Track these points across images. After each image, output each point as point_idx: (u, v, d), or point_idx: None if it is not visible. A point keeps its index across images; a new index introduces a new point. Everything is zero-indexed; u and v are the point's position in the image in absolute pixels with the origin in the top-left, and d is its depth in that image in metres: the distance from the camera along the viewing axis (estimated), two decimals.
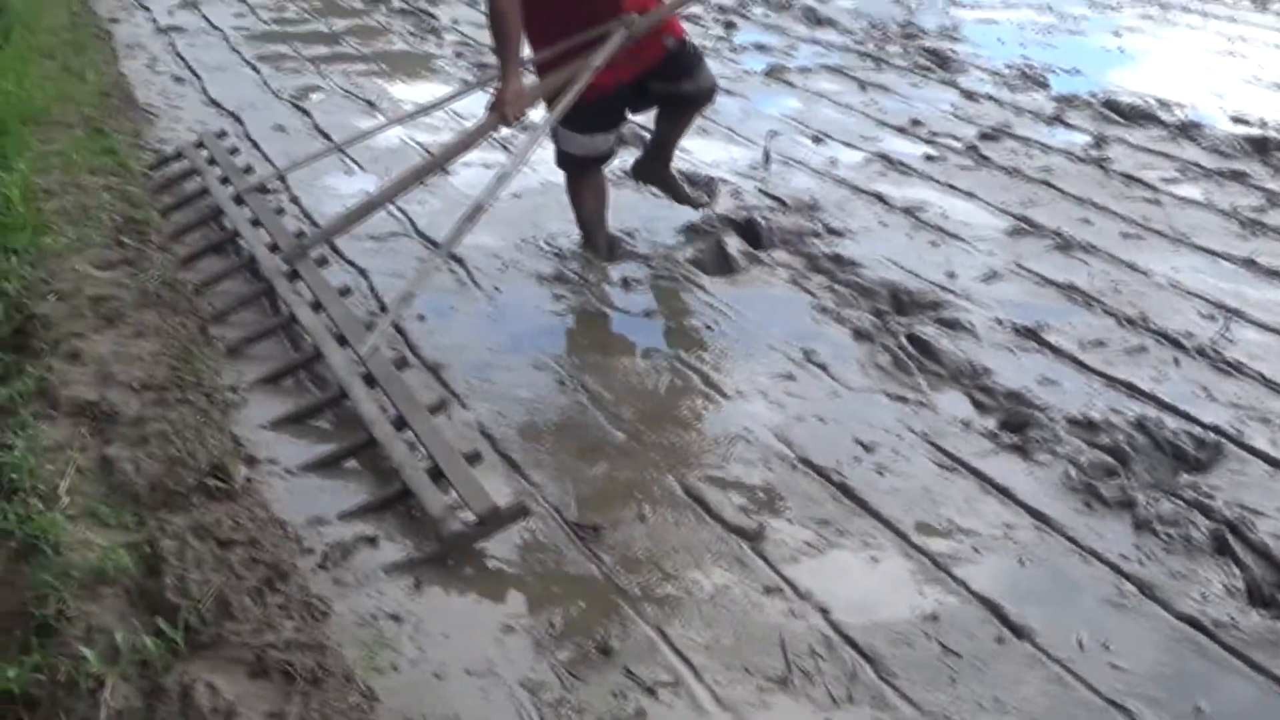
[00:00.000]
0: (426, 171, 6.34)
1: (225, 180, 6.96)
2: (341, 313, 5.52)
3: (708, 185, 7.33)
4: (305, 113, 8.92)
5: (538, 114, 6.25)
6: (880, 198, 7.16)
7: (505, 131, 6.85)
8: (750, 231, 6.68)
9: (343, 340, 5.30)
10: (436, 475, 4.43)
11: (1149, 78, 9.57)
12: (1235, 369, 5.27)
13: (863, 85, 9.47)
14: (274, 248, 6.13)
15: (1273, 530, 4.22)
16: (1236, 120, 8.46)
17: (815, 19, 11.66)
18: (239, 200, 6.66)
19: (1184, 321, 5.69)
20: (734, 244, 6.48)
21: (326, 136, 8.35)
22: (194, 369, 5.02)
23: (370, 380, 5.01)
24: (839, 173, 7.61)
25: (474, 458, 4.56)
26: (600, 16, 5.99)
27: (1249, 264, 6.26)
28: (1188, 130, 8.23)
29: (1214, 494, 4.42)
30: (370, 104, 9.15)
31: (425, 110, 7.54)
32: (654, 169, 6.86)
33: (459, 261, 6.36)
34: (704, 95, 6.46)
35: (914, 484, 4.54)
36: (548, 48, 6.10)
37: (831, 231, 6.71)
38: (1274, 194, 7.10)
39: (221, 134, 7.83)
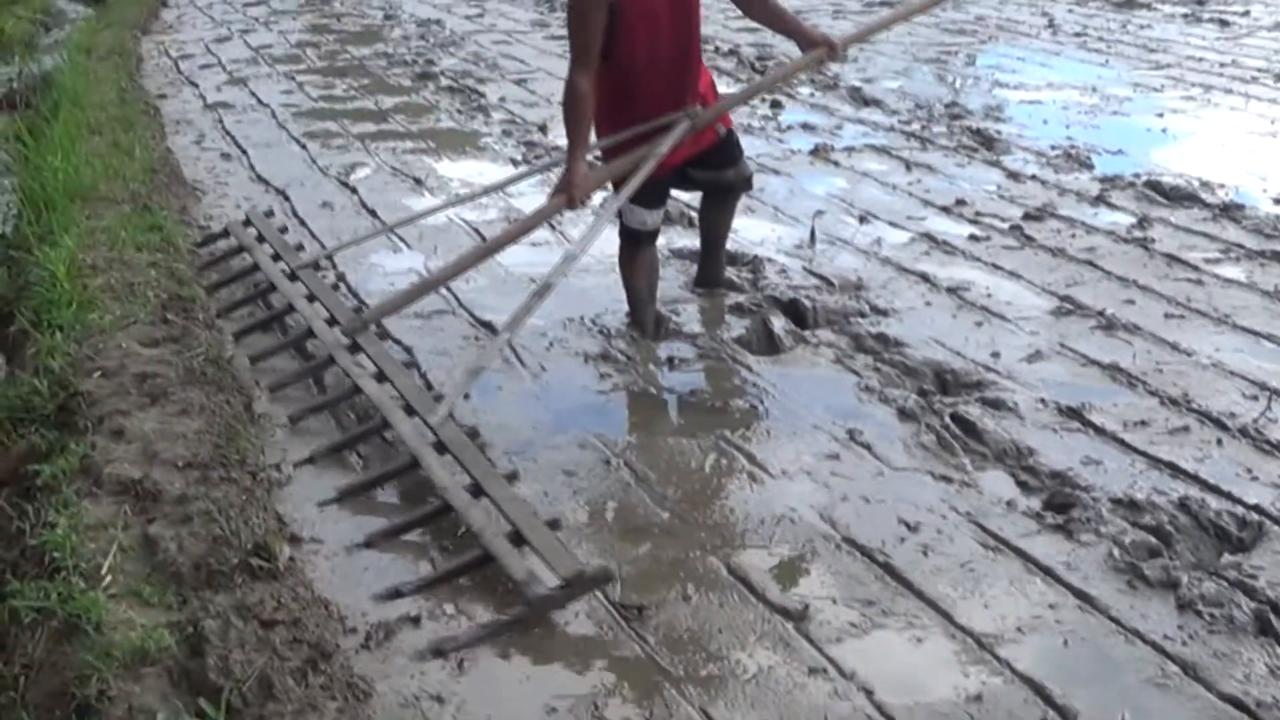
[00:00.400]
0: (487, 254, 6.41)
1: (276, 257, 7.05)
2: (408, 383, 5.59)
3: (754, 264, 7.36)
4: (352, 190, 9.02)
5: (597, 199, 6.33)
6: (925, 277, 7.18)
7: (568, 214, 6.90)
8: (795, 311, 6.72)
9: (410, 410, 5.36)
10: (518, 541, 4.49)
11: (1192, 159, 9.58)
12: (1278, 449, 5.27)
13: (908, 165, 9.50)
14: (331, 322, 6.21)
15: None
16: (1278, 201, 8.46)
17: (861, 99, 11.71)
18: (292, 276, 6.74)
19: (1227, 402, 5.70)
20: (779, 323, 6.51)
21: (373, 214, 8.45)
22: (239, 447, 5.08)
23: (440, 449, 5.07)
24: (884, 252, 7.64)
25: (555, 524, 4.63)
26: (677, 104, 6.17)
27: None
28: (1230, 211, 8.23)
29: (1257, 574, 4.41)
30: (418, 181, 9.24)
31: (485, 193, 7.65)
32: (714, 272, 7.08)
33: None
34: (745, 183, 6.76)
35: (958, 564, 4.55)
36: (614, 133, 6.22)
37: (876, 311, 6.74)
38: None
39: (269, 212, 7.91)
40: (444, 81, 12.90)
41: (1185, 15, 15.88)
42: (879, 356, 6.20)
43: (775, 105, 11.50)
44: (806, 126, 10.69)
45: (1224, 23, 15.30)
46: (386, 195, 8.90)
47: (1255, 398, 5.74)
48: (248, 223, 7.68)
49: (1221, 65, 12.98)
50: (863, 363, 6.15)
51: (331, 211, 8.56)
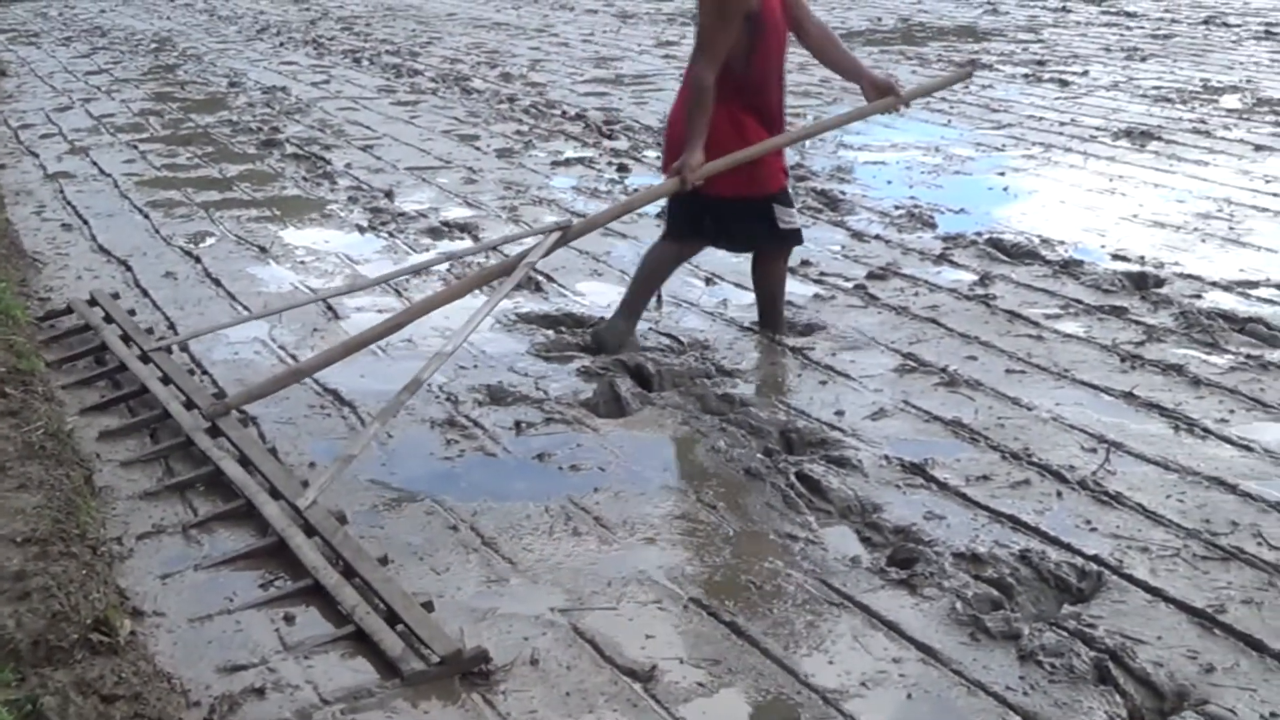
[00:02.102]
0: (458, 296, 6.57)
1: (125, 338, 6.98)
2: (274, 468, 5.55)
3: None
4: (196, 259, 8.94)
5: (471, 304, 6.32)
6: (770, 338, 7.24)
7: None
8: (641, 374, 6.75)
9: (275, 494, 5.34)
10: (391, 620, 4.49)
11: (1032, 216, 9.74)
12: (1116, 500, 5.35)
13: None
14: (188, 406, 6.17)
15: (1153, 658, 4.29)
16: (1116, 257, 8.61)
17: None
18: (144, 358, 6.69)
19: (1066, 455, 5.78)
20: (626, 386, 6.53)
21: (217, 283, 8.38)
22: (79, 521, 5.01)
23: (309, 531, 5.05)
24: (730, 313, 7.69)
25: (429, 605, 4.60)
26: (781, 117, 6.96)
27: (1129, 397, 6.36)
28: (1069, 267, 8.36)
29: (1096, 624, 4.48)
30: (263, 250, 9.18)
31: (384, 280, 7.69)
32: (776, 321, 7.48)
33: (350, 407, 6.39)
34: (797, 238, 7.32)
35: (803, 621, 4.57)
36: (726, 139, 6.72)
37: (722, 372, 6.78)
38: (1153, 328, 7.23)
39: (115, 295, 7.82)
40: (289, 149, 12.83)
41: (1026, 75, 16.15)
42: (725, 417, 6.23)
43: (622, 169, 11.56)
44: None
45: (1063, 82, 15.59)
46: (231, 264, 8.83)
47: (1094, 450, 5.83)
48: (93, 301, 7.59)
49: (1061, 124, 13.22)
50: (709, 423, 6.18)
51: (175, 281, 8.47)
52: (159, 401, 6.28)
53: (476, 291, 6.71)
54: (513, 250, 7.28)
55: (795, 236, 7.24)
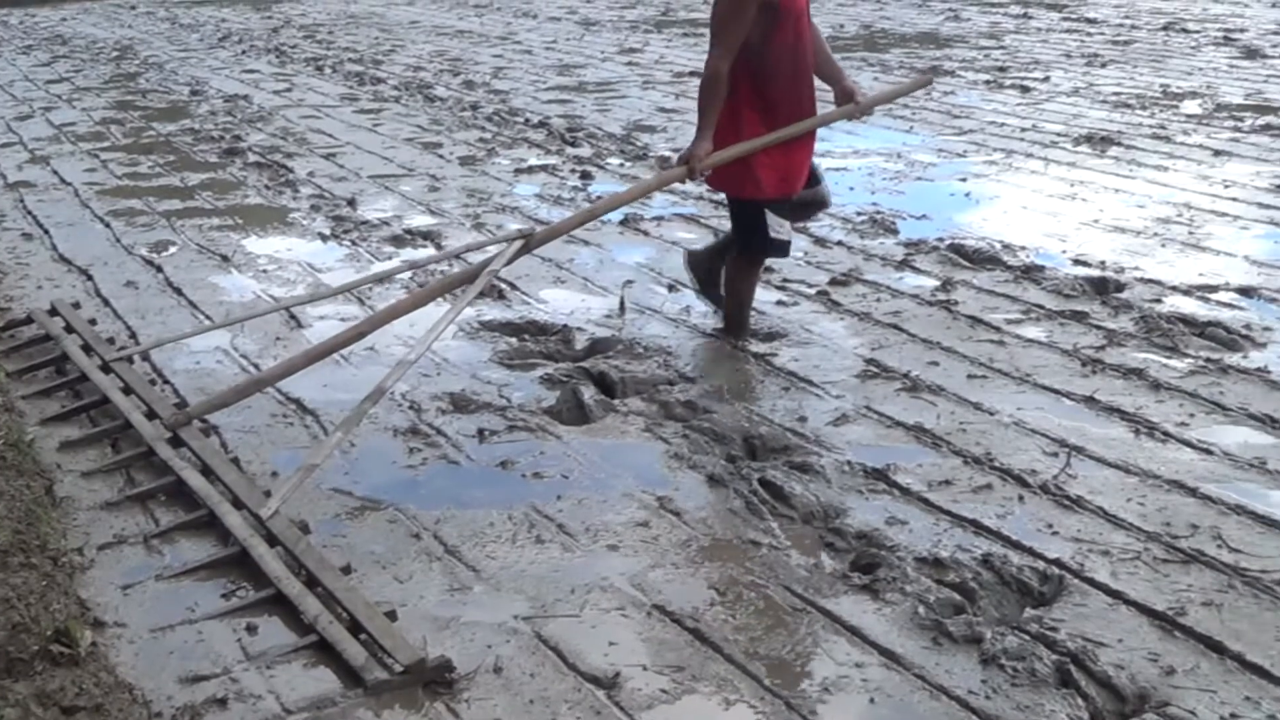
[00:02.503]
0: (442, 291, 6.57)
1: (86, 348, 6.96)
2: (236, 478, 5.54)
3: (563, 334, 7.40)
4: (158, 268, 8.91)
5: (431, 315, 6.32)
6: (733, 344, 7.25)
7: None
8: (604, 381, 6.75)
9: (238, 504, 5.33)
10: (355, 630, 4.49)
11: (994, 222, 9.77)
12: (1077, 504, 5.38)
13: (717, 234, 9.56)
14: (150, 416, 6.15)
15: (1114, 660, 4.31)
16: (1077, 262, 8.64)
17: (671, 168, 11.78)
18: (105, 368, 6.67)
19: (1027, 459, 5.80)
20: (589, 393, 6.53)
21: (179, 292, 8.35)
22: (39, 531, 4.99)
23: (271, 541, 5.04)
24: (693, 320, 7.70)
25: (392, 615, 4.59)
26: (801, 111, 6.95)
27: (1090, 401, 6.39)
28: (1030, 273, 8.39)
29: (1058, 627, 4.50)
30: (224, 258, 9.16)
31: (346, 289, 7.69)
32: (741, 328, 7.54)
33: (313, 416, 6.38)
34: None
35: (766, 627, 4.58)
36: (735, 126, 6.87)
37: (685, 378, 6.79)
38: (1113, 333, 7.26)
39: (76, 304, 7.79)
40: (251, 157, 12.81)
41: (988, 82, 16.19)
42: (688, 424, 6.25)
43: (585, 176, 11.57)
44: None
45: (1025, 89, 15.64)
46: (192, 273, 8.81)
47: (1055, 454, 5.85)
48: (54, 311, 7.57)
49: (1023, 130, 13.26)
50: (672, 430, 6.19)
51: (136, 291, 8.44)
52: (120, 412, 6.26)
53: (439, 300, 6.71)
54: (476, 258, 7.28)
55: (780, 249, 7.26)
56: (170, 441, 5.90)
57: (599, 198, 10.58)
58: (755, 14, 6.56)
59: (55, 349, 7.09)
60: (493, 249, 6.73)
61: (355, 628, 4.48)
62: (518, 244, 6.49)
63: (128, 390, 6.45)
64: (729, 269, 7.44)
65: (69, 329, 7.27)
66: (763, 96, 6.79)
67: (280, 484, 5.44)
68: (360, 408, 5.61)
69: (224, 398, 6.16)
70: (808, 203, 7.35)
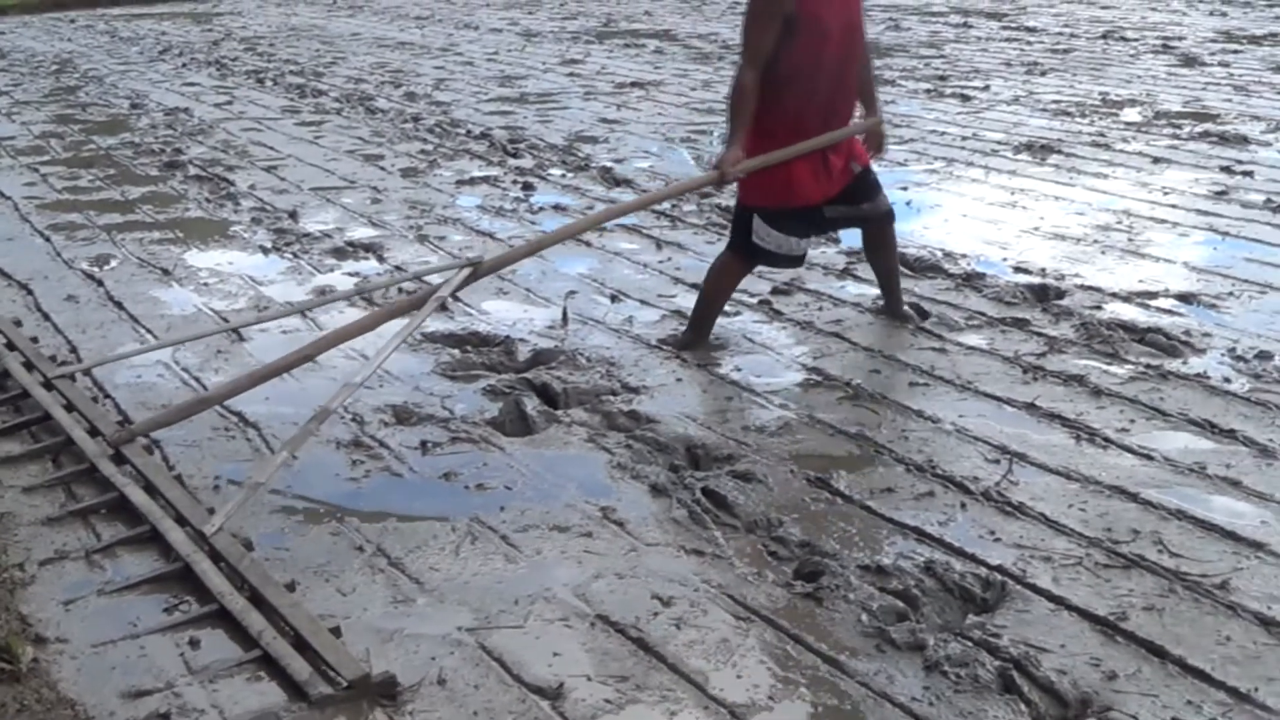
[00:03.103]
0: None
1: (29, 365, 6.92)
2: (179, 494, 5.51)
3: (506, 345, 7.40)
4: (99, 282, 8.86)
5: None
6: (676, 354, 7.26)
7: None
8: (547, 392, 6.75)
9: (180, 520, 5.30)
10: (300, 645, 4.47)
11: (935, 230, 9.79)
12: (1019, 510, 5.40)
13: (659, 244, 9.60)
14: (92, 433, 6.11)
15: (1057, 666, 4.33)
16: (1018, 269, 8.68)
17: (612, 179, 11.79)
18: (47, 385, 6.63)
19: (970, 466, 5.83)
20: (532, 404, 6.54)
21: (120, 306, 8.31)
22: None
23: (215, 556, 5.02)
24: (635, 330, 7.71)
25: (336, 630, 4.58)
26: (826, 126, 6.99)
27: (1031, 408, 6.42)
28: (972, 280, 8.43)
29: (1000, 633, 4.52)
30: (165, 272, 9.11)
31: (294, 311, 7.71)
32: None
33: (256, 429, 6.36)
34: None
35: (711, 636, 4.59)
36: (762, 135, 6.89)
37: (628, 389, 6.79)
38: (1054, 339, 7.30)
39: (17, 321, 7.74)
40: (192, 170, 12.74)
41: (928, 91, 16.23)
42: (631, 434, 6.25)
43: (527, 187, 11.56)
44: (558, 208, 10.75)
45: (965, 97, 15.69)
46: (134, 287, 8.77)
47: (997, 461, 5.88)
48: None
49: (963, 139, 13.31)
50: (615, 440, 6.20)
51: (77, 305, 8.40)
52: (62, 428, 6.23)
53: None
54: (431, 280, 7.26)
55: (760, 255, 7.30)
56: (113, 458, 5.87)
57: (541, 210, 10.61)
58: (778, 26, 6.65)
59: None
60: (439, 277, 6.72)
61: (299, 643, 4.47)
62: (466, 271, 6.48)
63: (70, 407, 6.42)
64: (713, 269, 7.54)
65: (10, 345, 7.22)
66: (784, 105, 6.85)
67: (224, 501, 5.43)
68: (306, 427, 5.60)
69: (168, 415, 6.14)
70: (846, 218, 7.49)
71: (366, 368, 5.93)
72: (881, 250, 7.75)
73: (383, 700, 4.24)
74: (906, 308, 7.80)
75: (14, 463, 6.04)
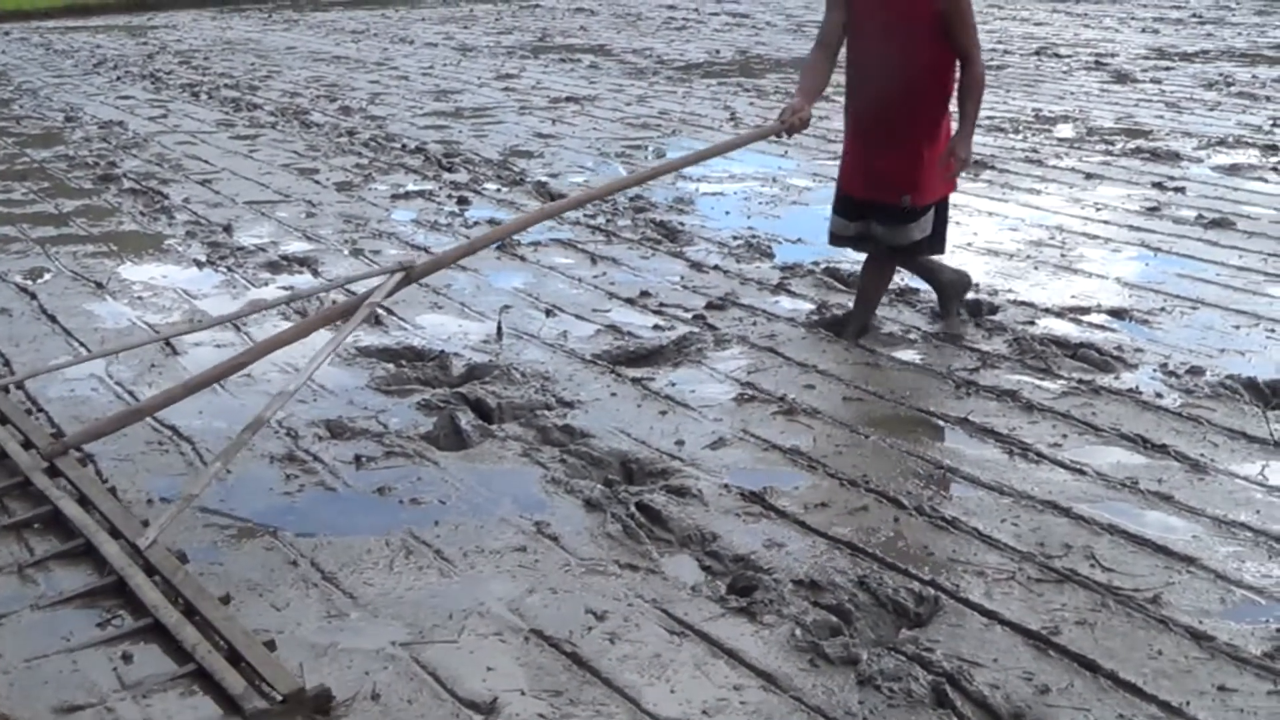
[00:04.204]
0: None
1: None
2: (113, 507, 5.48)
3: (440, 359, 7.39)
4: (32, 295, 8.80)
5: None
6: (611, 369, 7.27)
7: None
8: (481, 406, 6.75)
9: (115, 533, 5.27)
10: (234, 659, 4.45)
11: None
12: (952, 525, 5.43)
13: (594, 259, 9.61)
14: (26, 445, 6.08)
15: (990, 680, 4.35)
16: None
17: (547, 194, 11.79)
18: None
19: (903, 481, 5.86)
20: (466, 419, 6.53)
21: (53, 319, 8.26)
22: None
23: (149, 570, 4.99)
24: (570, 345, 7.71)
25: (271, 644, 4.56)
26: (877, 123, 7.32)
27: (964, 423, 6.46)
28: (905, 295, 8.46)
29: (934, 647, 4.54)
30: (99, 285, 9.06)
31: (227, 320, 7.68)
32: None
33: (189, 443, 6.33)
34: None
35: (645, 650, 4.59)
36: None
37: (563, 403, 6.79)
38: (986, 355, 7.34)
39: None
40: (126, 183, 12.66)
41: None
42: (565, 448, 6.25)
43: (462, 201, 11.55)
44: (493, 222, 10.72)
45: None
46: (67, 300, 8.71)
47: (930, 476, 5.91)
48: None
49: None
50: (549, 455, 6.20)
51: (10, 318, 8.34)
52: None
53: (319, 331, 6.69)
54: (361, 288, 7.25)
55: (834, 240, 7.86)
56: (47, 471, 5.83)
57: (476, 224, 10.61)
58: (841, 16, 7.17)
59: None
60: (374, 281, 6.71)
61: (234, 657, 4.45)
62: (398, 276, 6.48)
63: (3, 419, 6.37)
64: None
65: None
66: (850, 93, 7.42)
67: (158, 514, 5.40)
68: (239, 438, 5.58)
69: (101, 427, 6.10)
70: (864, 221, 7.60)
71: (300, 376, 5.92)
72: (872, 274, 7.88)
73: (317, 714, 4.23)
74: (862, 327, 7.85)
75: None
